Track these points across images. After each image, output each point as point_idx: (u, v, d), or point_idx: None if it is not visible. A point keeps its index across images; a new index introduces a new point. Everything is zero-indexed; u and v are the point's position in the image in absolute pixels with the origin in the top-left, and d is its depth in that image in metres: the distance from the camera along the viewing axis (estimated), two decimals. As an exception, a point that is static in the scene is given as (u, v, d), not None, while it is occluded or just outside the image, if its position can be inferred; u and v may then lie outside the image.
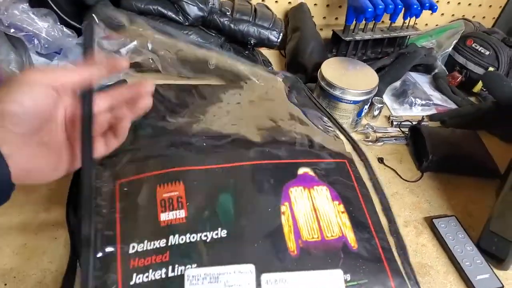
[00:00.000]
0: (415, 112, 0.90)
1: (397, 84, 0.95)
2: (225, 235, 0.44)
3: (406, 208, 0.69)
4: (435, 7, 0.93)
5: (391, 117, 0.87)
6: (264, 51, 0.93)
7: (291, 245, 0.46)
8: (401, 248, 0.50)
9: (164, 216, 0.43)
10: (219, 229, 0.44)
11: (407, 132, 0.82)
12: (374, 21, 0.92)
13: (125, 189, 0.44)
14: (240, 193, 0.48)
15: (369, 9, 0.83)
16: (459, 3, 1.09)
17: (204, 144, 0.53)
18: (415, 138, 0.80)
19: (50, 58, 0.66)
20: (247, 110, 0.62)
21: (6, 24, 0.61)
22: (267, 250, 0.45)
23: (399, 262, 0.49)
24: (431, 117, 0.89)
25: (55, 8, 0.69)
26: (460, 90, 0.98)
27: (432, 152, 0.74)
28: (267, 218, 0.47)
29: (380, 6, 0.85)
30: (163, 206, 0.44)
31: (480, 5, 1.11)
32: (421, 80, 0.99)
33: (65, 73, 0.37)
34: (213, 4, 0.76)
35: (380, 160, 0.76)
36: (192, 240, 0.43)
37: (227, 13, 0.77)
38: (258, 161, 0.51)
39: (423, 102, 0.91)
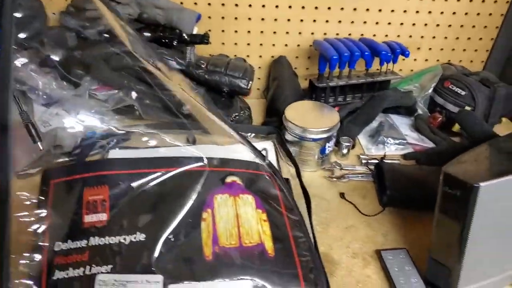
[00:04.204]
0: (389, 151, 0.93)
1: (374, 125, 0.99)
2: (143, 239, 0.49)
3: (358, 240, 0.70)
4: (407, 52, 0.99)
5: (361, 156, 0.90)
6: (251, 100, 1.03)
7: (207, 250, 0.49)
8: (315, 265, 0.54)
9: (88, 218, 0.50)
10: (137, 233, 0.49)
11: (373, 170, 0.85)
12: (349, 68, 0.99)
13: (58, 188, 0.50)
14: (163, 199, 0.53)
15: (334, 57, 0.91)
16: (441, 49, 1.13)
17: None
18: (380, 174, 0.83)
19: (48, 107, 0.79)
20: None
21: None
22: (180, 258, 0.48)
23: (313, 274, 0.52)
24: (405, 156, 0.92)
25: (59, 67, 0.84)
26: (443, 131, 1.00)
27: (390, 187, 0.76)
28: (186, 224, 0.51)
29: (346, 54, 0.92)
30: (88, 208, 0.51)
31: (464, 49, 1.14)
32: (401, 122, 1.03)
33: None
34: (190, 59, 0.88)
35: (342, 195, 0.80)
36: (111, 242, 0.48)
37: (202, 66, 0.89)
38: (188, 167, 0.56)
39: (396, 141, 0.94)
